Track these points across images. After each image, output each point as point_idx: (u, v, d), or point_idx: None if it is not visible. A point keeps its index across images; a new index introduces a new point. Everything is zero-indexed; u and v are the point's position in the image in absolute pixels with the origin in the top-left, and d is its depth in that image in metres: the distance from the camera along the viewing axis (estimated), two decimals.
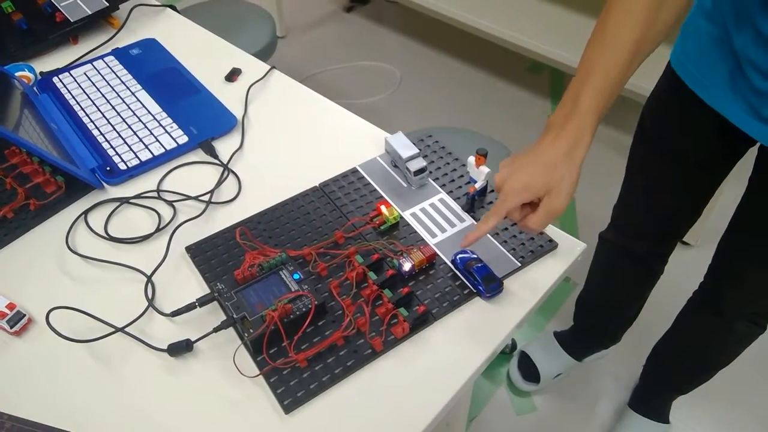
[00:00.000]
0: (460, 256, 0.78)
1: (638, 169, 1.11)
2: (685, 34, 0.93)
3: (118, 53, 1.15)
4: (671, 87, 0.96)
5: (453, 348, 0.72)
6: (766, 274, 1.01)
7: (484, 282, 0.76)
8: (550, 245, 0.81)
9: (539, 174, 0.68)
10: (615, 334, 1.45)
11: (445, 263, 0.79)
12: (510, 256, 0.80)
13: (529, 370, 1.51)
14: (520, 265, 0.79)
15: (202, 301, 0.74)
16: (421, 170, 0.87)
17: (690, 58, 0.92)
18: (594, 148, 2.37)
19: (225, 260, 0.80)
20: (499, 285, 0.76)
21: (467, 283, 0.77)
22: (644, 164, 1.09)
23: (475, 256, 0.78)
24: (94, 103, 1.04)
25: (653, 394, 1.42)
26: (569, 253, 0.82)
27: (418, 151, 0.89)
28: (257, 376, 0.69)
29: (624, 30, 0.69)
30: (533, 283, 0.78)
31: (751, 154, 0.97)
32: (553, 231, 0.84)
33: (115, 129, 0.99)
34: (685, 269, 1.22)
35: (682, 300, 1.23)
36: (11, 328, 0.74)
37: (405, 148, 0.89)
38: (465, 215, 0.85)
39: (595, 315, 1.43)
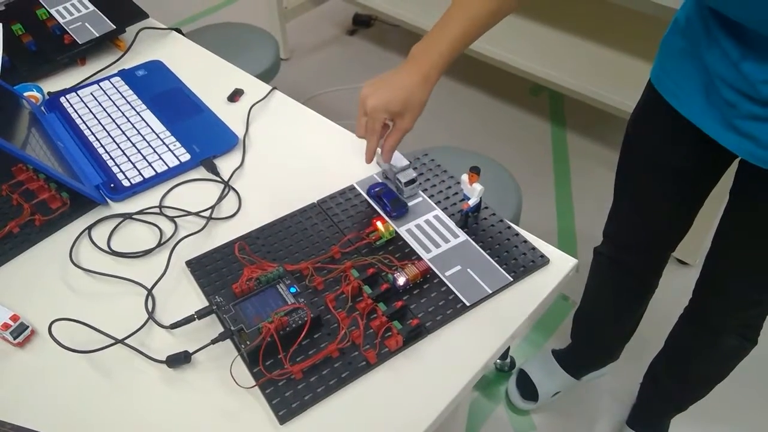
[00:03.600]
0: (375, 189, 0.91)
1: (626, 181, 1.13)
2: (663, 50, 0.96)
3: (124, 74, 1.18)
4: (652, 102, 0.99)
5: (446, 361, 0.73)
6: (749, 285, 1.02)
7: (392, 204, 0.89)
8: (542, 261, 0.83)
9: (399, 97, 0.84)
10: (612, 350, 1.45)
11: (439, 278, 0.81)
12: (502, 271, 0.82)
13: (527, 388, 1.51)
14: (512, 279, 0.81)
15: (201, 314, 0.76)
16: (412, 181, 0.90)
17: (668, 73, 0.94)
18: (592, 167, 2.39)
19: (224, 274, 0.82)
20: (405, 208, 0.89)
21: (377, 208, 0.90)
22: (631, 177, 1.11)
23: (385, 185, 0.92)
24: (99, 123, 1.07)
25: (651, 412, 1.42)
26: (561, 268, 0.83)
27: (408, 162, 0.92)
28: (253, 387, 0.71)
29: (484, 2, 0.84)
30: (525, 298, 0.80)
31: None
32: (545, 247, 0.85)
33: (119, 147, 1.02)
34: (683, 288, 1.22)
35: None
36: (15, 339, 0.75)
37: (395, 160, 0.92)
38: (459, 231, 0.87)
39: (593, 330, 1.44)
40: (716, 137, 0.89)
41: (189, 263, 0.84)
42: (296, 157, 1.01)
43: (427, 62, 0.85)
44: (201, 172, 0.99)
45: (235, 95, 1.13)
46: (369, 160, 0.92)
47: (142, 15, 1.28)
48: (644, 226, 1.15)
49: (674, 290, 1.35)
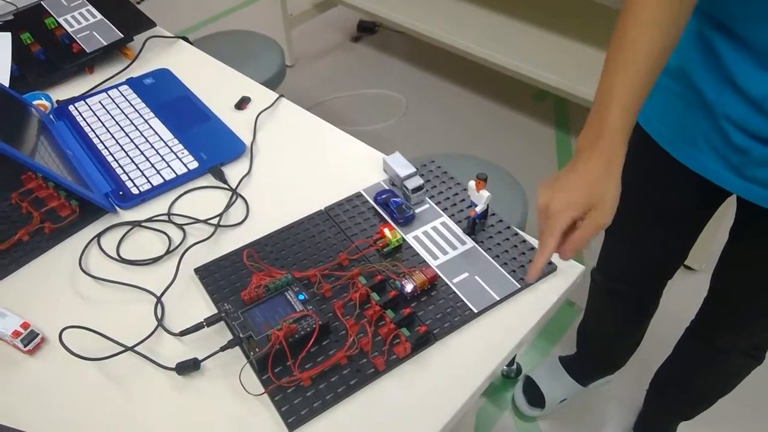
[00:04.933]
0: (382, 196, 0.91)
1: (617, 220, 1.11)
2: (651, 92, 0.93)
3: (132, 82, 1.19)
4: (642, 143, 0.94)
5: (454, 368, 0.73)
6: (760, 312, 1.01)
7: (399, 211, 0.89)
8: (549, 267, 0.83)
9: (582, 191, 0.69)
10: (617, 361, 1.45)
11: (447, 284, 0.81)
12: (510, 277, 0.82)
13: (534, 395, 1.51)
14: (520, 286, 0.81)
15: (210, 321, 0.76)
16: (419, 188, 0.90)
17: (658, 116, 0.91)
18: None
19: (232, 281, 0.82)
20: (412, 215, 0.89)
21: (384, 215, 0.90)
22: (622, 216, 1.09)
23: (392, 192, 0.92)
24: (108, 131, 1.08)
25: (656, 420, 1.42)
26: (568, 275, 0.83)
27: (415, 169, 0.92)
28: (262, 394, 0.71)
29: (644, 38, 0.69)
30: (533, 305, 0.80)
31: None
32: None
33: (128, 155, 1.03)
34: (689, 294, 1.22)
35: (685, 325, 1.24)
36: (25, 346, 0.76)
37: (402, 167, 0.92)
38: (466, 238, 0.87)
39: (596, 344, 1.44)
40: (720, 182, 0.86)
41: (197, 271, 0.84)
42: (303, 164, 1.02)
43: (604, 144, 0.69)
44: (209, 180, 1.00)
45: (242, 103, 1.13)
46: (532, 276, 0.71)
47: (150, 24, 1.29)
48: (638, 262, 1.14)
49: (680, 296, 1.35)
